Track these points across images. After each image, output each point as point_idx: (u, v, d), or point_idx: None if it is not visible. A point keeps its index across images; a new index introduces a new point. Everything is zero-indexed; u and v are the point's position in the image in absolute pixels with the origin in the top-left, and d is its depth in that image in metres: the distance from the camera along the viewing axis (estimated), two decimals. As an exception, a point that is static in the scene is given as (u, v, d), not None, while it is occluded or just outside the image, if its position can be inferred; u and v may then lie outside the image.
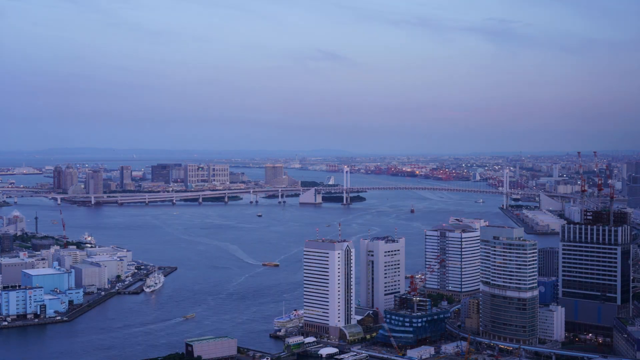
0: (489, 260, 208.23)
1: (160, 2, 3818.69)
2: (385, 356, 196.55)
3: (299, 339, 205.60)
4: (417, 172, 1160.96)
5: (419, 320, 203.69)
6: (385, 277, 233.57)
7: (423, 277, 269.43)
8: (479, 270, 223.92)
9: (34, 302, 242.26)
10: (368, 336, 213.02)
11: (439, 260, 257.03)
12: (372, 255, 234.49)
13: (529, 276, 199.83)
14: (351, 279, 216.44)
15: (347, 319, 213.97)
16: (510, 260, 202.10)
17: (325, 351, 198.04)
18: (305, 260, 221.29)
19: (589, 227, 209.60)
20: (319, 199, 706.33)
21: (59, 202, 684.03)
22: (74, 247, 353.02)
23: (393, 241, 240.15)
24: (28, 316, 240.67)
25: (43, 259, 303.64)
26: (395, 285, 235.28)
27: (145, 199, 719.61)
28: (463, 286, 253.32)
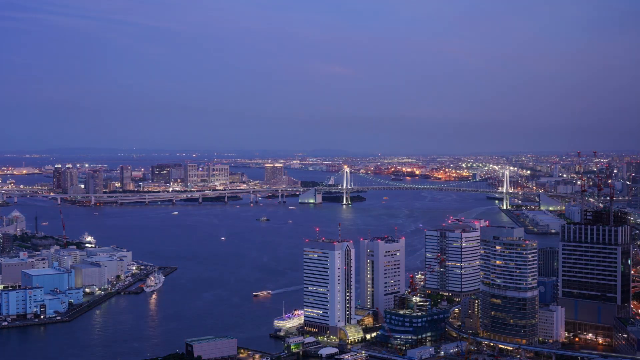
0: (489, 260, 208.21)
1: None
2: (385, 356, 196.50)
3: (299, 339, 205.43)
4: (417, 172, 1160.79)
5: (419, 320, 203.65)
6: (385, 277, 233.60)
7: (423, 277, 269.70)
8: (479, 270, 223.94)
9: (34, 302, 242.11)
10: (368, 336, 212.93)
11: (439, 260, 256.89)
12: (372, 255, 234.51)
13: (529, 276, 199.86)
14: (351, 279, 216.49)
15: (347, 319, 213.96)
16: (510, 260, 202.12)
17: (325, 351, 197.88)
18: (305, 260, 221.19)
19: (589, 227, 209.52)
20: (319, 199, 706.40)
21: (58, 202, 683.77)
22: (74, 247, 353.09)
23: (393, 241, 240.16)
24: (28, 316, 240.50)
25: (43, 259, 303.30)
26: (395, 285, 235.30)
27: (145, 199, 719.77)
28: (463, 286, 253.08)
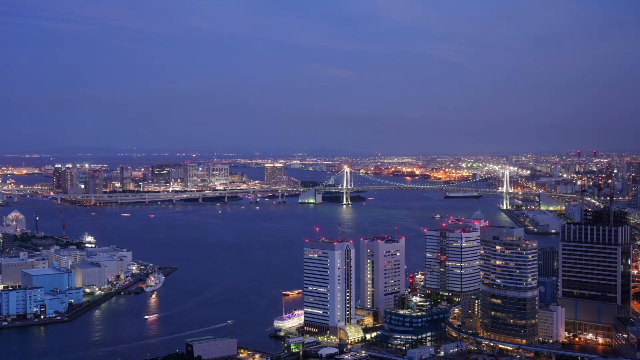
0: (489, 260, 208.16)
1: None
2: (385, 356, 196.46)
3: (299, 339, 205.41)
4: (417, 172, 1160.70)
5: (419, 320, 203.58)
6: (385, 277, 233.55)
7: (423, 277, 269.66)
8: (479, 270, 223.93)
9: (34, 302, 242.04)
10: (368, 336, 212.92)
11: (439, 260, 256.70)
12: (372, 255, 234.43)
13: (529, 276, 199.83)
14: (351, 279, 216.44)
15: (347, 319, 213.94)
16: (510, 260, 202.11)
17: (325, 351, 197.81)
18: (305, 260, 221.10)
19: (589, 227, 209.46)
20: (319, 199, 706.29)
21: (58, 202, 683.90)
22: (74, 247, 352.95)
23: (393, 241, 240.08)
24: (28, 316, 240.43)
25: (43, 259, 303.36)
26: (395, 285, 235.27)
27: (145, 198, 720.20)
28: (463, 286, 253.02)
